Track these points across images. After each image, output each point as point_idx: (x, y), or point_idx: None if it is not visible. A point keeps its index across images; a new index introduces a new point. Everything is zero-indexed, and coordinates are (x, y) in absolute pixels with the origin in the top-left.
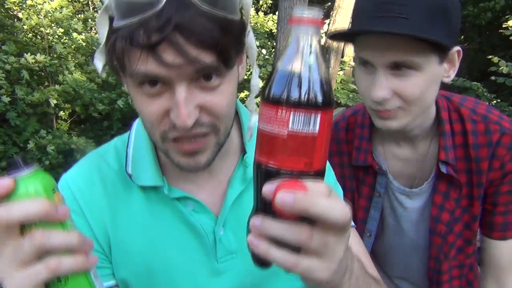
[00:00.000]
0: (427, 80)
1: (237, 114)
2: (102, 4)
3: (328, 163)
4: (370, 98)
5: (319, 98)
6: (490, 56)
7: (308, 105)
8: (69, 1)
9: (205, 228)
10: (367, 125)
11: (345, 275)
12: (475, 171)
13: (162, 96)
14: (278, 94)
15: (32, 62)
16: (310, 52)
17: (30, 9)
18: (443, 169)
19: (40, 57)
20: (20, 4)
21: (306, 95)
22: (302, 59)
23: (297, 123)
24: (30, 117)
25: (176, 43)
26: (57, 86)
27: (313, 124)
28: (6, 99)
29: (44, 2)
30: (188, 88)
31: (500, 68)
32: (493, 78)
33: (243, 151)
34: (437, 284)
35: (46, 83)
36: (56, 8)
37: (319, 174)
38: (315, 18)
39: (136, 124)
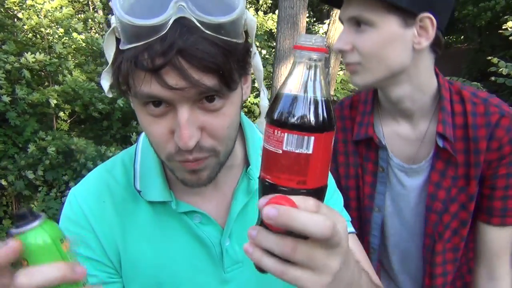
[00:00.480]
0: (384, 38)
1: (241, 127)
2: (102, 5)
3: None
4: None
5: (313, 122)
6: (489, 57)
7: (301, 128)
8: (69, 1)
9: (211, 239)
10: (370, 101)
11: None
12: (473, 150)
13: (166, 117)
14: (275, 116)
15: (32, 62)
16: (308, 78)
17: (30, 9)
18: (440, 142)
19: (40, 56)
20: (20, 4)
21: (299, 119)
22: (300, 84)
23: (291, 143)
24: (30, 117)
25: (179, 67)
26: (56, 87)
27: (307, 145)
28: (6, 98)
29: (44, 2)
30: (190, 110)
31: (500, 69)
32: (493, 78)
33: (247, 164)
34: (431, 266)
35: (46, 83)
36: (56, 8)
37: (315, 193)
38: (318, 45)
39: (142, 139)
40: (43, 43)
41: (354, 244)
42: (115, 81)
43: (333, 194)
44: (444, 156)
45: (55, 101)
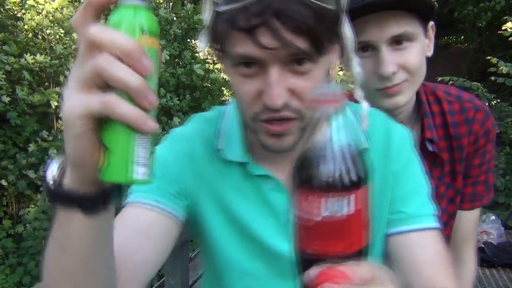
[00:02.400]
0: (422, 50)
1: None
2: None
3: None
4: (377, 77)
5: (351, 179)
6: (489, 57)
7: (339, 189)
8: (69, 1)
9: (280, 206)
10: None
11: None
12: (456, 147)
13: (256, 78)
14: (305, 179)
15: (32, 63)
16: (333, 133)
17: (32, 10)
18: (430, 147)
19: (40, 57)
20: (20, 4)
21: (335, 179)
22: (326, 141)
23: (331, 207)
24: (30, 117)
25: (273, 27)
26: (57, 88)
27: (347, 205)
28: (6, 99)
29: (45, 2)
30: (280, 71)
31: (500, 68)
32: (493, 78)
33: None
34: None
35: (47, 84)
36: (57, 9)
37: (361, 254)
38: (335, 96)
39: (231, 102)
40: (44, 43)
41: (434, 242)
42: (210, 43)
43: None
44: (429, 158)
45: (56, 103)
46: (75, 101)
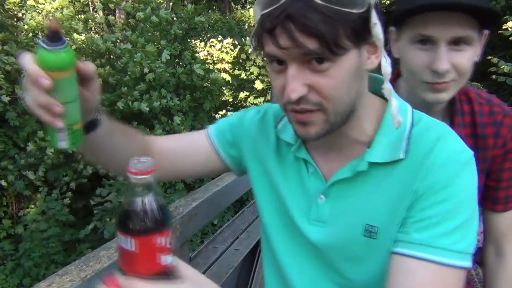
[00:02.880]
0: (474, 54)
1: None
2: (102, 6)
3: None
4: (429, 71)
5: (132, 226)
6: (489, 57)
7: (124, 232)
8: (69, 2)
9: (314, 192)
10: None
11: None
12: (481, 147)
13: (283, 73)
14: (118, 221)
15: None
16: (135, 196)
17: (32, 10)
18: None
19: None
20: (20, 4)
21: (123, 224)
22: (135, 201)
23: (121, 242)
24: (30, 117)
25: (287, 29)
26: None
27: (130, 244)
28: (5, 98)
29: (46, 2)
30: (298, 68)
31: (501, 67)
32: (494, 77)
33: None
34: None
35: None
36: (57, 8)
37: (161, 276)
38: (149, 168)
39: None
40: None
41: (429, 278)
42: (254, 42)
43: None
44: None
45: None
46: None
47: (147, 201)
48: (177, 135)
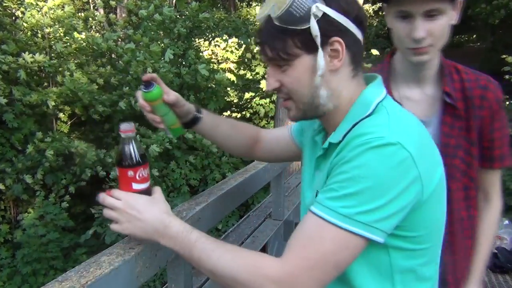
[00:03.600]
0: (448, 21)
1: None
2: (103, 3)
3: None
4: (410, 39)
5: (116, 162)
6: (504, 56)
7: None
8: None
9: (314, 165)
10: (385, 71)
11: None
12: (470, 106)
13: None
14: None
15: (30, 62)
16: (121, 144)
17: (32, 8)
18: (447, 99)
19: (38, 57)
20: (18, 2)
21: (121, 161)
22: (125, 148)
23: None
24: (28, 118)
25: (259, 43)
26: (55, 88)
27: (116, 172)
28: (2, 100)
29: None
30: (272, 68)
31: None
32: (507, 77)
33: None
34: (447, 203)
35: (46, 84)
36: (58, 5)
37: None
38: (131, 127)
39: None
40: (43, 42)
41: (304, 221)
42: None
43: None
44: (450, 111)
45: (53, 103)
46: None
47: (126, 148)
48: (277, 128)
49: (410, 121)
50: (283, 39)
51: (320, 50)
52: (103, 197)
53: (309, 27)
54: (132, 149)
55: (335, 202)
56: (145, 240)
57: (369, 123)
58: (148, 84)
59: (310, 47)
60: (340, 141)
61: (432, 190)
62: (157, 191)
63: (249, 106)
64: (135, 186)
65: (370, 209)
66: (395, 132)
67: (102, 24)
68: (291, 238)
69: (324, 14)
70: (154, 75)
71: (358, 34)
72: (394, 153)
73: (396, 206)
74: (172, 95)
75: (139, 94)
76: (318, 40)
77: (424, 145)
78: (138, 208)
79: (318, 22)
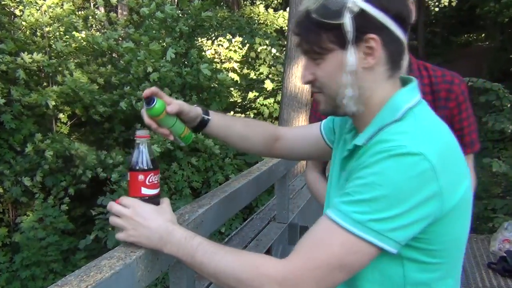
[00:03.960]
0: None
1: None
2: (103, 1)
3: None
4: None
5: (137, 168)
6: None
7: (131, 169)
8: None
9: (341, 165)
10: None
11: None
12: (437, 99)
13: None
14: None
15: (29, 62)
16: (134, 149)
17: (30, 6)
18: None
19: (38, 56)
20: (17, 0)
21: (134, 166)
22: (139, 153)
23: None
24: (27, 119)
25: (296, 35)
26: (55, 87)
27: (127, 176)
28: (1, 100)
29: None
30: (307, 61)
31: None
32: None
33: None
34: None
35: (45, 84)
36: (57, 3)
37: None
38: (145, 134)
39: None
40: (43, 41)
41: (316, 225)
42: None
43: None
44: None
45: (53, 102)
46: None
47: (138, 152)
48: (301, 126)
49: (438, 131)
50: (317, 33)
51: (351, 46)
52: (111, 204)
53: (343, 22)
54: (144, 154)
55: (349, 207)
56: (149, 248)
57: (394, 129)
58: (149, 100)
59: (345, 43)
60: (364, 144)
61: (454, 205)
62: (165, 201)
63: (252, 106)
64: (144, 191)
65: (383, 217)
66: (418, 141)
67: (102, 23)
68: (300, 240)
69: (361, 9)
70: (154, 88)
71: (399, 32)
72: (414, 164)
73: (411, 217)
74: (174, 105)
75: (143, 112)
76: (350, 36)
77: (449, 157)
78: (144, 215)
79: (354, 17)
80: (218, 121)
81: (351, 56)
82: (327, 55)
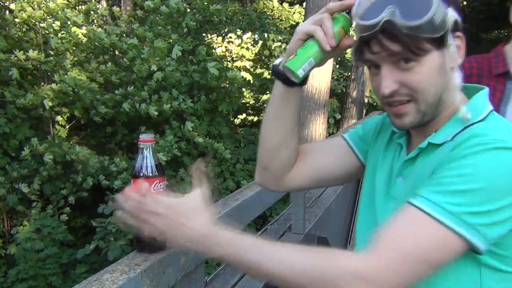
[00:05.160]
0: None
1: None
2: None
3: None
4: None
5: (141, 174)
6: None
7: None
8: None
9: (396, 171)
10: (501, 62)
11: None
12: None
13: (378, 76)
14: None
15: (23, 59)
16: (137, 155)
17: (23, 1)
18: None
19: (33, 53)
20: None
21: (137, 172)
22: (143, 158)
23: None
24: (22, 122)
25: (378, 39)
26: (53, 85)
27: (131, 182)
28: None
29: None
30: (389, 69)
31: None
32: None
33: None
34: None
35: (42, 84)
36: None
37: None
38: (149, 137)
39: None
40: (37, 38)
41: (399, 213)
42: (356, 51)
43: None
44: None
45: (50, 103)
46: (306, 24)
47: (142, 158)
48: (317, 141)
49: None
50: (416, 36)
51: (449, 45)
52: (136, 197)
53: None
54: (149, 159)
55: (441, 197)
56: (187, 249)
57: (484, 126)
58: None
59: (439, 43)
60: (445, 142)
61: None
62: (198, 195)
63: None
64: None
65: (478, 211)
66: None
67: (105, 18)
68: (380, 232)
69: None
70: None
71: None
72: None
73: (506, 214)
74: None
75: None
76: (448, 35)
77: None
78: (186, 215)
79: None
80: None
81: (447, 55)
82: (423, 56)
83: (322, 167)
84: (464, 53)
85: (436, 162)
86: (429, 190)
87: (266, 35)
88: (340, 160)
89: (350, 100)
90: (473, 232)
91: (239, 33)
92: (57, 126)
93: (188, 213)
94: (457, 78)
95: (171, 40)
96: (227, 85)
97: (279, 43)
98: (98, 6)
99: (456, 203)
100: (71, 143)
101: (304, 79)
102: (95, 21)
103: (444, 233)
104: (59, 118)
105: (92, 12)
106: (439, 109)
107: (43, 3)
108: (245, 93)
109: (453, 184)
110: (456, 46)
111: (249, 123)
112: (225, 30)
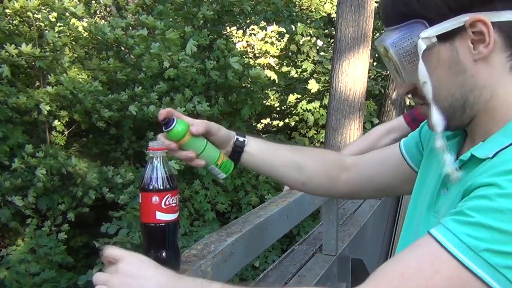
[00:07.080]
0: None
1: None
2: None
3: None
4: None
5: (139, 185)
6: None
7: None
8: None
9: (441, 180)
10: None
11: None
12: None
13: None
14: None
15: (15, 54)
16: (147, 164)
17: None
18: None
19: (26, 48)
20: None
21: (145, 185)
22: (152, 170)
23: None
24: (15, 127)
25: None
26: (49, 88)
27: (139, 197)
28: None
29: None
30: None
31: None
32: None
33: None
34: None
35: (37, 83)
36: None
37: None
38: (160, 146)
39: None
40: (31, 31)
41: (414, 244)
42: None
43: None
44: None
45: (47, 107)
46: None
47: (152, 169)
48: (373, 151)
49: None
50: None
51: (457, 37)
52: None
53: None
54: (159, 170)
55: (461, 227)
56: None
57: None
58: (168, 121)
59: (444, 34)
60: (490, 158)
61: None
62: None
63: (293, 112)
64: (160, 216)
65: (505, 251)
66: None
67: (109, 9)
68: (388, 261)
69: None
70: (169, 110)
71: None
72: None
73: None
74: (199, 125)
75: (161, 137)
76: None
77: None
78: (134, 272)
79: None
80: (258, 144)
81: (457, 49)
82: (426, 52)
83: (378, 185)
84: (492, 39)
85: (466, 181)
86: (450, 218)
87: (293, 27)
88: (395, 173)
89: (389, 102)
90: (494, 274)
91: (263, 24)
92: (54, 132)
93: (139, 269)
94: (489, 71)
95: (184, 34)
96: (249, 85)
97: (308, 37)
98: None
99: (478, 236)
100: (70, 151)
101: (238, 157)
102: (97, 12)
103: (462, 274)
104: (56, 123)
105: (93, 2)
106: (472, 112)
107: None
108: (269, 94)
109: (480, 214)
110: (477, 32)
111: (274, 129)
112: (247, 22)
